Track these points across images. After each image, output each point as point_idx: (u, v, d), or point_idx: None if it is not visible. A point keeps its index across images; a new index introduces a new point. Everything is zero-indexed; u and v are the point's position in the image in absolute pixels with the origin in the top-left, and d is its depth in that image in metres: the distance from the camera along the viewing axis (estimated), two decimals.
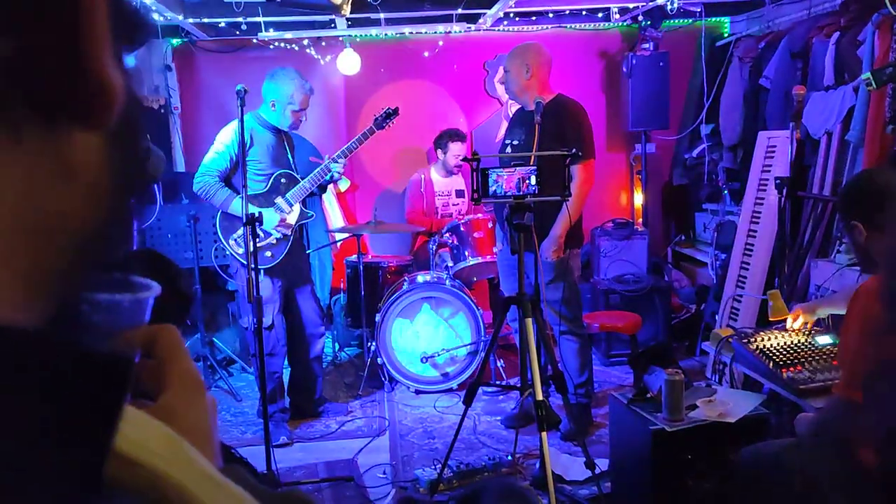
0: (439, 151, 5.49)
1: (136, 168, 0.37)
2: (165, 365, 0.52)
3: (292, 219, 3.98)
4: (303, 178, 4.03)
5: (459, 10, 4.94)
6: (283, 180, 3.99)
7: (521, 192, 2.95)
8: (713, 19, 5.79)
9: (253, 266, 3.25)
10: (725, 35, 5.82)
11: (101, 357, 0.33)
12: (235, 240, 3.93)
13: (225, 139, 3.89)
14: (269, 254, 3.95)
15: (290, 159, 4.05)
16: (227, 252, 4.01)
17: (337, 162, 4.03)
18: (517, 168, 2.97)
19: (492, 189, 2.97)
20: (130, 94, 0.34)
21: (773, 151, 4.66)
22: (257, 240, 3.77)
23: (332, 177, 4.07)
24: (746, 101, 5.23)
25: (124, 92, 0.33)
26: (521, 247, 2.90)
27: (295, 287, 4.14)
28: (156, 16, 4.74)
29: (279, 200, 3.95)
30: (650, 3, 5.21)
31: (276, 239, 3.96)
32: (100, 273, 0.43)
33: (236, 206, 3.81)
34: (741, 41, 5.41)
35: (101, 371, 0.33)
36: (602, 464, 3.34)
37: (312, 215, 4.19)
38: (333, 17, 4.90)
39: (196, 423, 0.51)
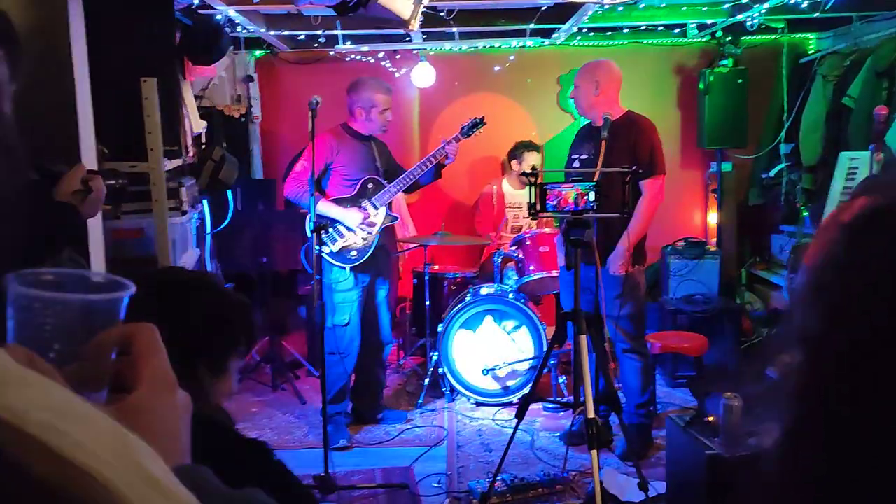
0: (514, 162, 5.52)
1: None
2: (139, 362, 0.54)
3: (377, 219, 4.11)
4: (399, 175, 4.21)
5: (533, 25, 4.95)
6: (370, 185, 4.15)
7: (580, 208, 2.95)
8: (797, 36, 5.62)
9: (320, 269, 3.36)
10: (810, 52, 5.64)
11: None
12: (323, 240, 4.08)
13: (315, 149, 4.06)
14: (353, 254, 4.10)
15: (378, 166, 4.20)
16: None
17: (451, 143, 4.16)
18: (576, 184, 2.96)
19: (551, 204, 2.97)
20: None
21: (855, 173, 4.48)
22: (342, 239, 4.06)
23: (447, 157, 4.19)
24: (829, 120, 5.05)
25: None
26: (577, 262, 2.89)
27: (374, 290, 4.27)
28: (239, 28, 4.94)
29: (365, 203, 4.12)
30: (729, 19, 5.10)
31: (363, 239, 4.10)
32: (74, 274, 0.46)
33: (322, 207, 4.01)
34: (826, 59, 5.24)
35: None
36: (660, 486, 3.29)
37: (398, 218, 4.35)
38: (412, 31, 5.00)
39: (162, 420, 0.53)
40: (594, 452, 2.79)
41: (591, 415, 2.78)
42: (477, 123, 4.23)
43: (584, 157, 3.90)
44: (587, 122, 4.06)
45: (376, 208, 4.13)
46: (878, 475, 0.44)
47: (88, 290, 0.55)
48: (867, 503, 0.45)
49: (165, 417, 0.54)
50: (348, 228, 4.08)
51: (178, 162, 3.37)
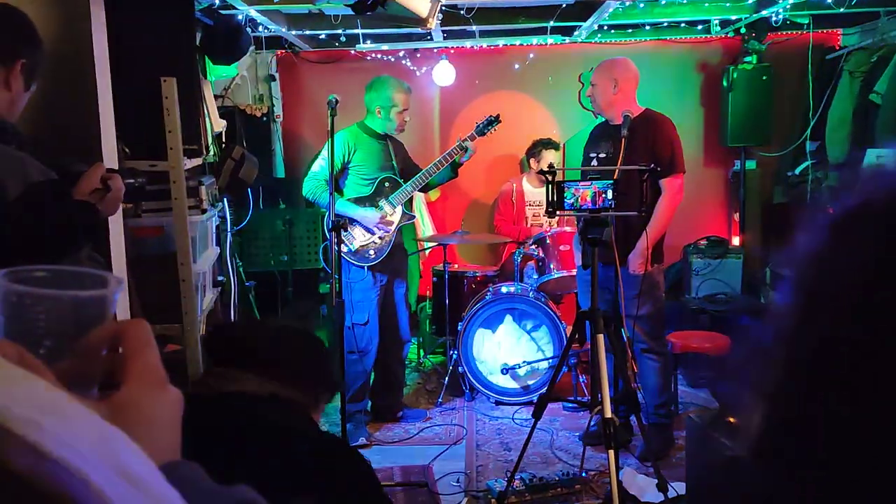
0: (532, 160, 5.52)
1: None
2: (129, 358, 0.54)
3: (394, 219, 4.13)
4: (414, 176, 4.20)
5: (553, 23, 4.92)
6: (386, 184, 4.16)
7: (597, 206, 2.93)
8: (823, 31, 5.54)
9: (338, 268, 3.38)
10: (836, 48, 5.55)
11: None
12: (342, 238, 4.10)
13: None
14: (371, 253, 4.11)
15: (394, 165, 4.20)
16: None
17: (468, 142, 4.16)
18: (594, 182, 2.95)
19: (568, 202, 2.96)
20: None
21: None
22: (360, 238, 4.07)
23: (463, 155, 4.18)
24: (856, 117, 4.98)
25: None
26: (594, 261, 2.87)
27: (392, 289, 4.28)
28: (261, 28, 4.96)
29: (382, 202, 4.12)
30: (754, 15, 5.03)
31: (380, 238, 4.10)
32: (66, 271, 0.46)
33: (339, 206, 4.02)
34: (852, 55, 5.16)
35: None
36: (680, 487, 3.26)
37: (415, 217, 4.35)
38: (429, 29, 5.00)
39: (152, 416, 0.52)
40: (611, 452, 2.77)
41: (608, 414, 2.76)
42: (492, 121, 4.23)
43: (601, 155, 3.87)
44: (603, 120, 4.03)
45: (393, 207, 4.14)
46: (878, 475, 0.43)
47: (80, 287, 0.56)
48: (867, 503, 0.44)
49: (153, 413, 0.53)
50: (366, 228, 4.09)
51: (197, 161, 3.40)
